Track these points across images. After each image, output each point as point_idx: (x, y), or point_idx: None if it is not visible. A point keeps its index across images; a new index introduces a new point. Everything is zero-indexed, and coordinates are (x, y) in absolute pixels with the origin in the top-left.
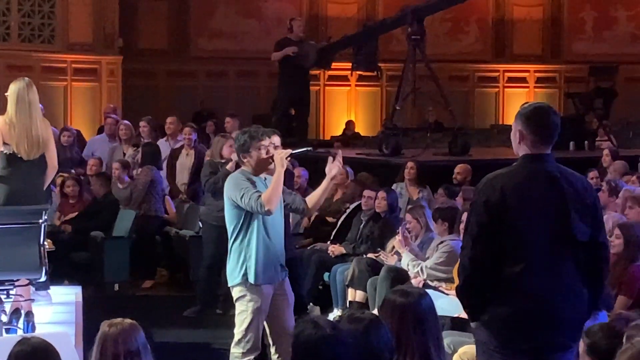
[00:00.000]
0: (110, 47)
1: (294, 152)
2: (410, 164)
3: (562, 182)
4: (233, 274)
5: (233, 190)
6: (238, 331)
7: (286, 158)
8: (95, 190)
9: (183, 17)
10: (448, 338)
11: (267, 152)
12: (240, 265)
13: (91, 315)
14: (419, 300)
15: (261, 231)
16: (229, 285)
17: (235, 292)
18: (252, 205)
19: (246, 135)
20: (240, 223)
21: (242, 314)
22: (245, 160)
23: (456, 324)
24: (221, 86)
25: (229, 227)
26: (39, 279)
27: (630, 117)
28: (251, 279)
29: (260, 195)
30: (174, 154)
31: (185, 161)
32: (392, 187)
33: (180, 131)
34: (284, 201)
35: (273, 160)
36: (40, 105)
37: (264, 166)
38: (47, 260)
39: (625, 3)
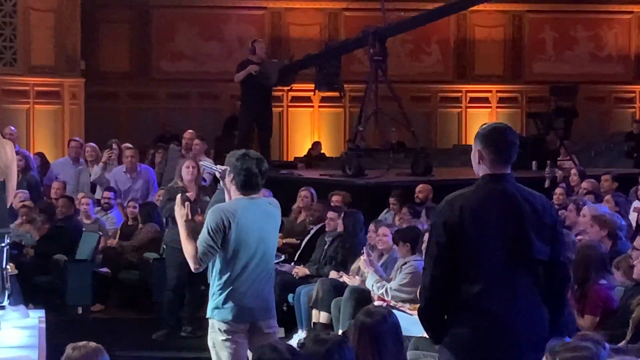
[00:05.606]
0: (73, 69)
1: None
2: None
3: (520, 201)
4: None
5: None
6: None
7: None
8: (58, 213)
9: (145, 40)
10: (412, 358)
11: None
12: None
13: (54, 339)
14: (381, 320)
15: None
16: (207, 316)
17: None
18: None
19: None
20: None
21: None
22: None
23: (420, 344)
24: (183, 108)
25: None
26: (1, 302)
27: (590, 136)
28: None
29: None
30: None
31: None
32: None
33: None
34: None
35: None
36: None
37: None
38: (9, 284)
39: (585, 23)
